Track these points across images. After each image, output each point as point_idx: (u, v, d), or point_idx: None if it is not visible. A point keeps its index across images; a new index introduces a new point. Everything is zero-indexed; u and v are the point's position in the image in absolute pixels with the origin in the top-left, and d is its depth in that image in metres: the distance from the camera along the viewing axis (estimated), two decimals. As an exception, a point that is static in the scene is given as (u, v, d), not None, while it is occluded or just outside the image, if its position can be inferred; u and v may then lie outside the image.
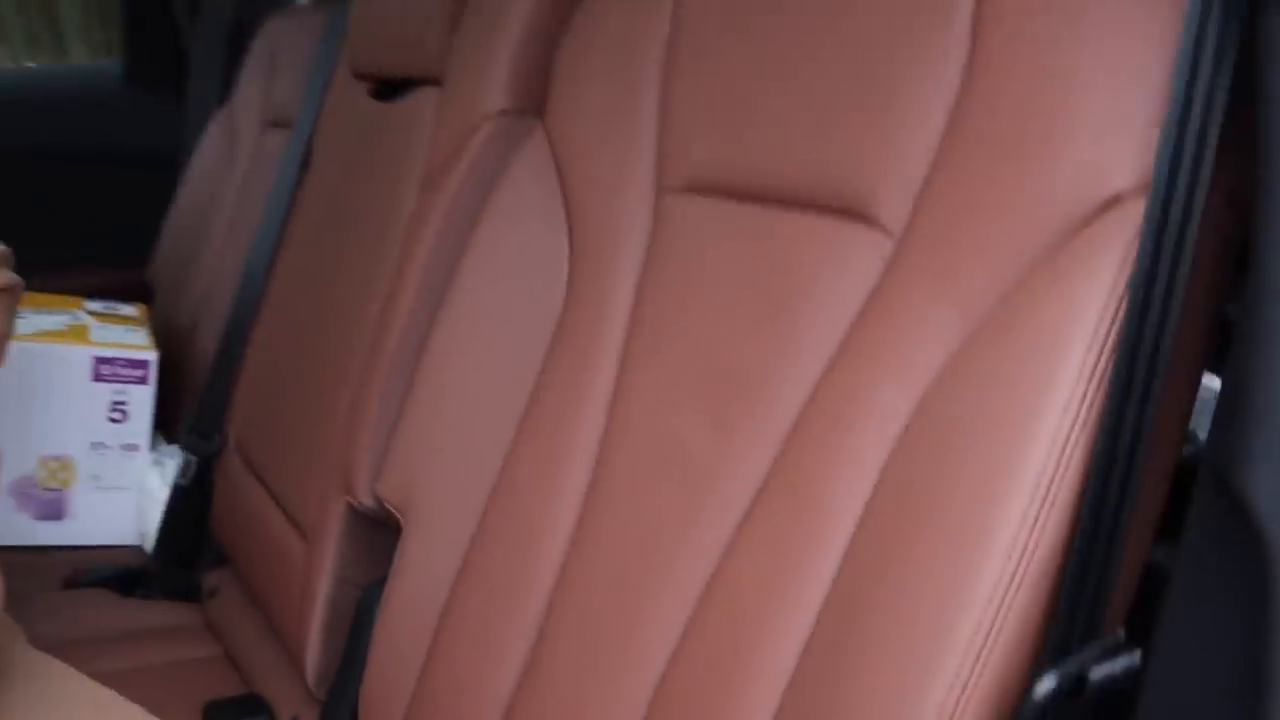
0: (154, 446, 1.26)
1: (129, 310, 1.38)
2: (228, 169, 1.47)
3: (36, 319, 1.25)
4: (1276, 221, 0.36)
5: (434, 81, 0.90)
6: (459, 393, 0.76)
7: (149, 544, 1.20)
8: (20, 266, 1.47)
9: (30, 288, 1.36)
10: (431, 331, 0.78)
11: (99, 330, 1.26)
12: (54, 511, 1.22)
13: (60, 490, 1.22)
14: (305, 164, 1.17)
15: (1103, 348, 0.41)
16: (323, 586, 0.84)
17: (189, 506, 1.15)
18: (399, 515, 0.76)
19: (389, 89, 0.98)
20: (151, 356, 1.24)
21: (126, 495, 1.24)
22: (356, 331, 0.89)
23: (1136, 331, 0.40)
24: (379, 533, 0.81)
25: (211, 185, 1.50)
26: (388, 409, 0.82)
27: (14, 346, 1.15)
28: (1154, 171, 0.41)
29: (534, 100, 0.81)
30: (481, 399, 0.73)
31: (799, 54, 0.57)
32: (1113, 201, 0.42)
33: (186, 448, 1.17)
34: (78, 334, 1.23)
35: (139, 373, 1.23)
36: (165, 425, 1.29)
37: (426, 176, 0.86)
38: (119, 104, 1.77)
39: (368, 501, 0.80)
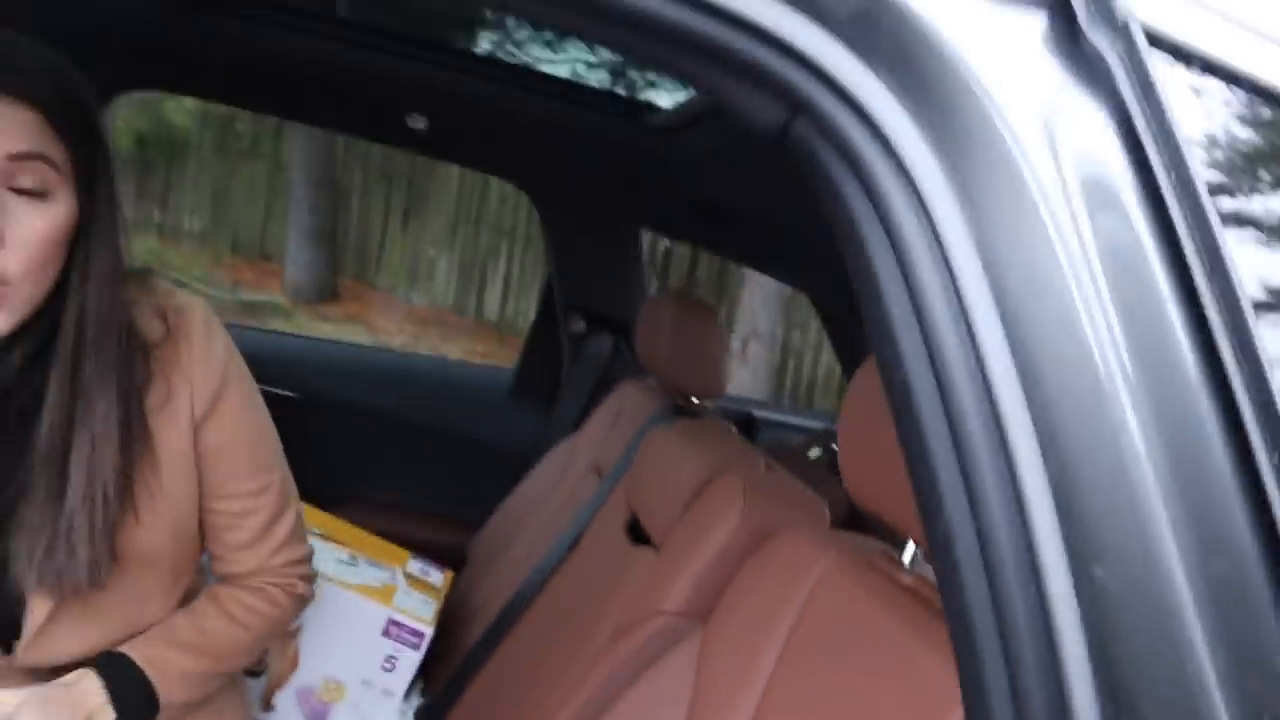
0: (406, 696, 1.58)
1: (436, 579, 1.74)
2: (559, 487, 1.82)
3: (364, 569, 1.63)
4: None
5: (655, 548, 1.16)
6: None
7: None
8: (379, 505, 1.94)
9: (386, 528, 1.79)
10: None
11: (402, 596, 1.61)
12: (319, 717, 1.57)
13: (329, 704, 1.56)
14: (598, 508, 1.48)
15: None
16: None
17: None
18: None
19: (638, 531, 1.26)
20: (429, 632, 1.57)
21: (371, 728, 1.56)
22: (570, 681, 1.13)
23: None
24: None
25: (539, 494, 1.86)
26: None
27: (338, 589, 1.54)
28: None
29: (705, 608, 1.04)
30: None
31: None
32: None
33: (419, 714, 1.47)
34: (385, 595, 1.60)
35: (415, 640, 1.57)
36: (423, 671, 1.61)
37: (617, 627, 1.10)
38: (498, 404, 2.24)
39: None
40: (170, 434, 0.99)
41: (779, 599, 0.92)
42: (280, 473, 1.11)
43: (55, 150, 0.87)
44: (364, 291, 7.53)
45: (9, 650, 1.01)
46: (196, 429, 1.01)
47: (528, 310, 6.49)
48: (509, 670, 1.36)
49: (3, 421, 0.93)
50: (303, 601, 1.15)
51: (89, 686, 0.98)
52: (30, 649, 1.00)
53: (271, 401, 2.10)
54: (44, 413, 0.92)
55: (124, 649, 1.02)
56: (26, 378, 0.93)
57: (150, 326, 0.99)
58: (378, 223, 7.41)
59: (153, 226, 7.54)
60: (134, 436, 0.97)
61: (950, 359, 0.44)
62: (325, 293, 7.25)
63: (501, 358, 2.25)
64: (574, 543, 1.47)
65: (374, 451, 2.14)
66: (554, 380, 2.15)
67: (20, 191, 0.87)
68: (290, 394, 2.08)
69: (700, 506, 1.13)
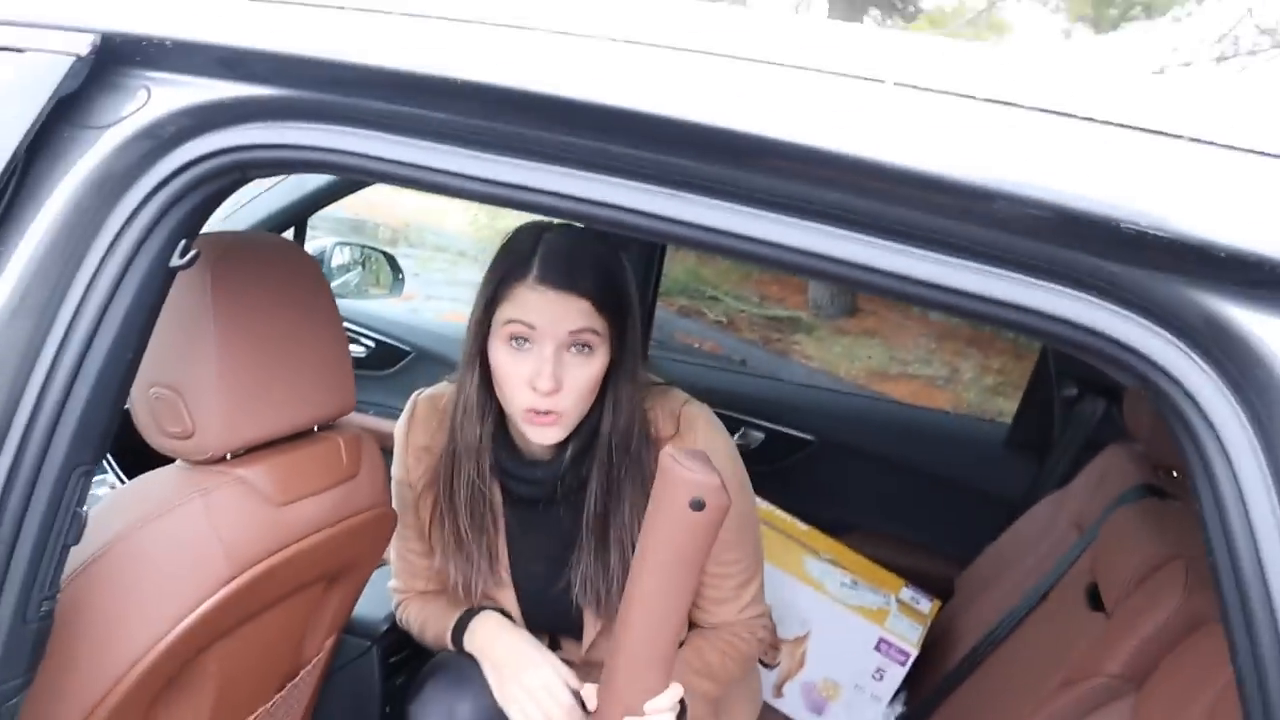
0: (890, 703, 1.87)
1: (924, 606, 2.01)
2: (1043, 538, 1.98)
3: (863, 593, 1.94)
4: None
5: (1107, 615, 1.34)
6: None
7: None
8: (881, 536, 2.26)
9: (885, 557, 2.09)
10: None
11: (894, 620, 1.90)
12: (817, 708, 1.91)
13: (826, 700, 1.91)
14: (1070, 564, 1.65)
15: None
16: None
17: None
18: None
19: (1095, 597, 1.43)
20: (913, 653, 1.85)
21: (860, 724, 1.88)
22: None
23: None
24: None
25: (1024, 540, 2.03)
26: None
27: (840, 608, 1.86)
28: None
29: (1141, 675, 1.21)
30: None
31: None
32: None
33: (901, 717, 1.76)
34: (879, 616, 1.90)
35: (901, 658, 1.86)
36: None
37: (1065, 679, 1.31)
38: (993, 453, 2.43)
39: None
40: None
41: (1206, 677, 1.08)
42: (754, 549, 1.43)
43: (599, 324, 1.22)
44: (881, 307, 7.84)
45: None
46: None
47: (1044, 333, 6.36)
48: (974, 697, 1.60)
49: (561, 496, 1.34)
50: (763, 644, 1.47)
51: None
52: (589, 651, 1.42)
53: (795, 443, 2.50)
54: (589, 491, 1.32)
55: None
56: (574, 468, 1.32)
57: (664, 426, 1.34)
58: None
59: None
60: None
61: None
62: (845, 309, 7.66)
63: (1017, 374, 2.43)
64: (1045, 594, 1.66)
65: (878, 489, 2.45)
66: (1045, 436, 2.30)
67: (573, 351, 1.23)
68: (810, 437, 2.47)
69: (1149, 586, 1.29)
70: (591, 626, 1.40)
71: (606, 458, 1.31)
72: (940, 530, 2.35)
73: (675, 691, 1.13)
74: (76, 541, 0.86)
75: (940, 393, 6.69)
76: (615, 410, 1.29)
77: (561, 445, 1.32)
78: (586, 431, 1.30)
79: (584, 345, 1.23)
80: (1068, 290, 0.64)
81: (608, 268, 1.25)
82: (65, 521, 0.83)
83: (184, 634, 1.01)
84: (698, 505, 1.03)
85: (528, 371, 1.21)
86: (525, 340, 1.22)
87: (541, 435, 1.25)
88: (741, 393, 2.58)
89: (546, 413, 1.23)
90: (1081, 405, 2.19)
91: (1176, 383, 0.64)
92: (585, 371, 1.23)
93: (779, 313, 7.71)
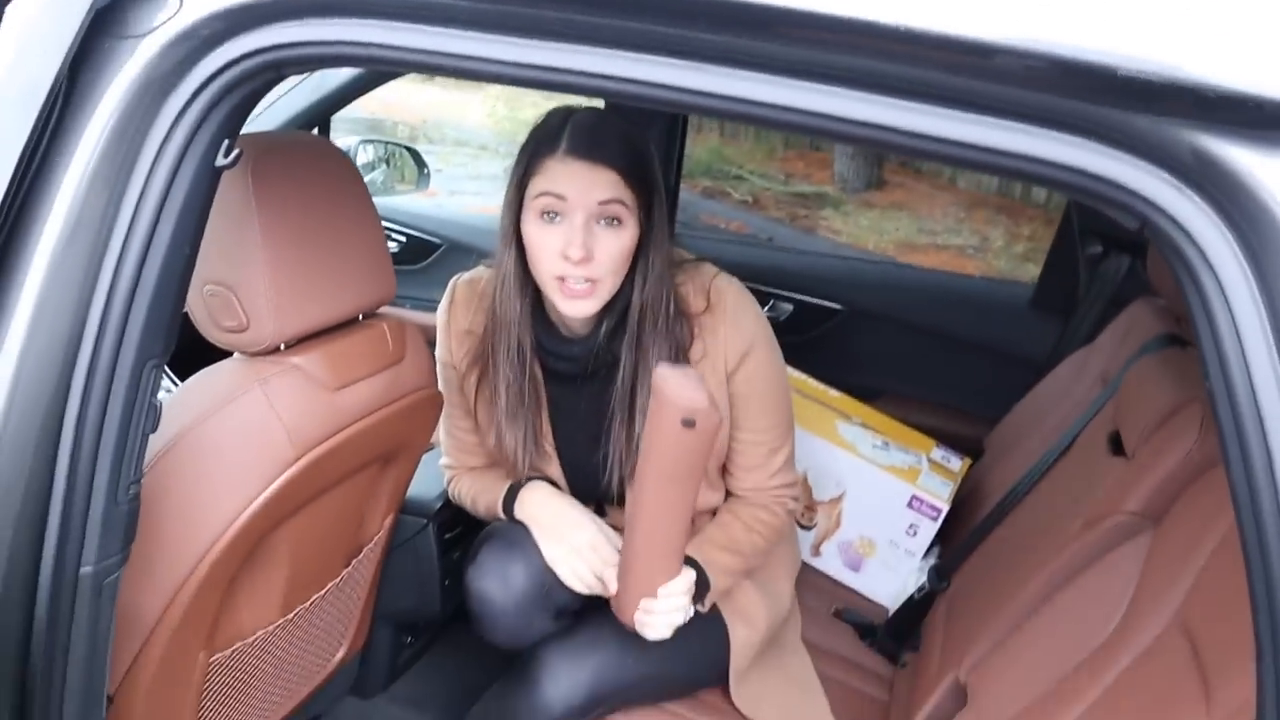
0: (924, 556, 1.95)
1: (956, 465, 2.07)
2: (1070, 393, 2.02)
3: (894, 453, 2.01)
4: None
5: (1127, 459, 1.40)
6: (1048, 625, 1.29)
7: (890, 611, 1.91)
8: (911, 400, 2.32)
9: (916, 419, 2.15)
10: (1049, 599, 1.32)
11: (925, 478, 1.97)
12: (854, 565, 2.00)
13: (863, 557, 1.99)
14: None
15: None
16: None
17: (916, 606, 1.82)
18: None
19: (1117, 443, 1.49)
20: (944, 508, 1.92)
21: (896, 578, 1.95)
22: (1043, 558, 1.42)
23: None
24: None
25: (1052, 397, 2.08)
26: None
27: (872, 468, 1.93)
28: None
29: (1159, 513, 1.27)
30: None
31: None
32: None
33: (932, 570, 1.84)
34: (911, 475, 1.97)
35: (933, 514, 1.93)
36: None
37: (1086, 520, 1.37)
38: (1019, 315, 2.46)
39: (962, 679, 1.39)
40: (710, 380, 1.39)
41: (1220, 513, 1.13)
42: (784, 417, 1.48)
43: (627, 195, 1.28)
44: (909, 179, 7.76)
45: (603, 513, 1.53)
46: (728, 378, 1.41)
47: (1074, 194, 6.28)
48: (1004, 543, 1.67)
49: (596, 372, 1.41)
50: (792, 516, 1.54)
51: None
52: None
53: (823, 312, 2.54)
54: (620, 366, 1.38)
55: (687, 552, 1.42)
56: (608, 344, 1.39)
57: (695, 301, 1.39)
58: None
59: (716, 125, 8.34)
60: None
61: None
62: (872, 182, 7.59)
63: (1047, 240, 2.44)
64: (1069, 445, 1.71)
65: (907, 354, 2.49)
66: (1071, 294, 2.32)
67: (602, 224, 1.28)
68: (838, 306, 2.50)
69: (1167, 429, 1.34)
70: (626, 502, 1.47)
71: (637, 331, 1.36)
72: (969, 392, 2.40)
73: (687, 577, 1.27)
74: (154, 429, 0.93)
75: (970, 261, 6.66)
76: (645, 284, 1.34)
77: (597, 321, 1.38)
78: (619, 306, 1.36)
79: (613, 218, 1.28)
80: (1068, 137, 0.68)
81: (633, 142, 1.30)
82: (143, 411, 0.90)
83: (257, 513, 1.09)
84: (688, 423, 1.09)
85: (559, 242, 1.27)
86: (556, 214, 1.27)
87: (575, 308, 1.31)
88: (768, 266, 2.61)
89: (581, 283, 1.28)
90: (1106, 262, 2.21)
91: (1173, 220, 0.68)
92: (615, 243, 1.28)
93: (804, 189, 7.66)
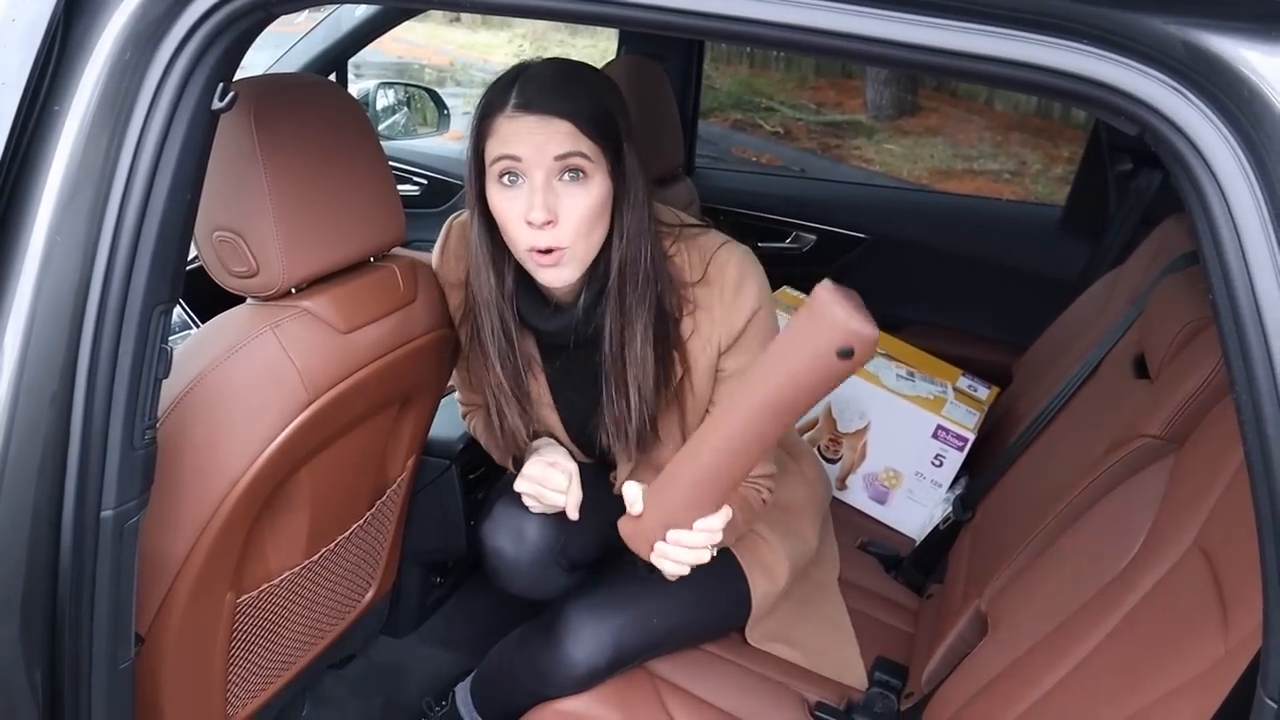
0: (950, 487, 1.95)
1: (983, 394, 2.06)
2: (1101, 316, 1.99)
3: (919, 384, 1.99)
4: None
5: (1151, 382, 1.38)
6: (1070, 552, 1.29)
7: (916, 543, 1.91)
8: (938, 328, 2.30)
9: (943, 349, 2.13)
10: (1071, 526, 1.32)
11: (951, 407, 1.96)
12: (880, 498, 2.00)
13: (888, 489, 1.99)
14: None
15: None
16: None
17: (941, 537, 1.82)
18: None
19: (1141, 366, 1.46)
20: (970, 437, 1.90)
21: (922, 510, 1.95)
22: (1068, 483, 1.41)
23: None
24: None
25: (1082, 321, 2.04)
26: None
27: (897, 399, 1.92)
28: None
29: (1182, 435, 1.25)
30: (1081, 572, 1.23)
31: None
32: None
33: (958, 501, 1.84)
34: (936, 405, 1.95)
35: (959, 443, 1.92)
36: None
37: (1111, 444, 1.35)
38: (1048, 238, 2.41)
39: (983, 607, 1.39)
40: (700, 357, 1.32)
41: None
42: None
43: (587, 146, 1.17)
44: (944, 103, 7.60)
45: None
46: (720, 355, 1.33)
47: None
48: (1028, 471, 1.66)
49: (580, 343, 1.32)
50: (765, 506, 1.43)
51: None
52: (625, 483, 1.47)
53: (848, 241, 2.51)
54: (605, 335, 1.29)
55: None
56: (590, 313, 1.29)
57: (691, 271, 1.29)
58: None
59: (744, 56, 8.22)
60: (668, 348, 1.30)
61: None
62: (905, 108, 7.45)
63: None
64: (1095, 369, 1.69)
65: (934, 282, 2.46)
66: (1101, 215, 2.28)
67: (565, 179, 1.18)
68: (863, 235, 2.47)
69: (1190, 350, 1.32)
70: (624, 463, 1.43)
71: (618, 295, 1.27)
72: (997, 319, 2.37)
73: (725, 514, 1.11)
74: (166, 374, 0.94)
75: (1007, 187, 6.55)
76: (623, 242, 1.25)
77: (580, 287, 1.30)
78: (601, 271, 1.27)
79: (576, 170, 1.18)
80: (1062, 41, 0.66)
81: (591, 89, 1.20)
82: (153, 356, 0.91)
83: (275, 454, 1.11)
84: (845, 353, 0.91)
85: (522, 206, 1.18)
86: (516, 175, 1.19)
87: (550, 276, 1.23)
88: (791, 196, 2.59)
89: (549, 250, 1.20)
90: (1136, 180, 2.16)
91: (1172, 124, 0.65)
92: (581, 200, 1.19)
93: (836, 118, 7.54)
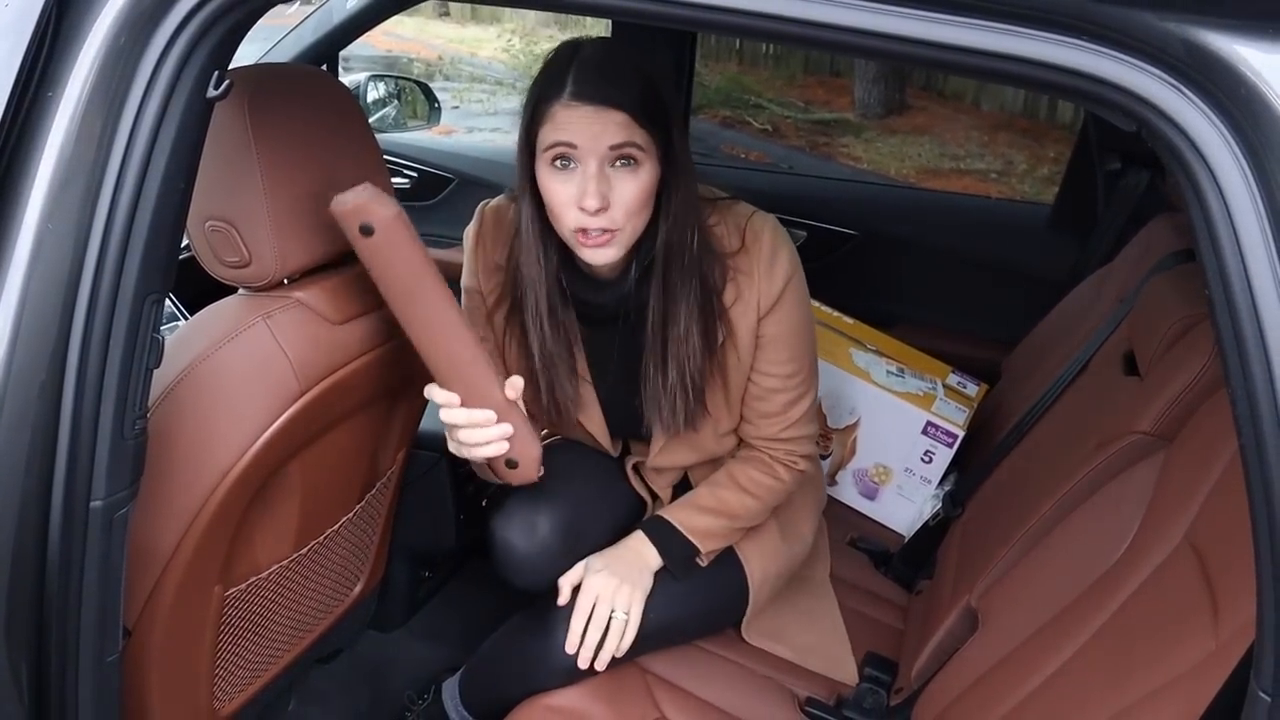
0: (940, 483, 1.95)
1: (972, 390, 2.06)
2: (1089, 313, 1.99)
3: (909, 380, 2.00)
4: None
5: (1140, 379, 1.38)
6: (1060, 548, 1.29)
7: (905, 538, 1.91)
8: (927, 326, 2.29)
9: (933, 346, 2.13)
10: (1061, 522, 1.32)
11: (940, 404, 1.96)
12: (870, 494, 2.01)
13: (878, 485, 1.99)
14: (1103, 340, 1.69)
15: None
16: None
17: (931, 533, 1.82)
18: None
19: (1131, 363, 1.47)
20: (960, 434, 1.91)
21: (911, 506, 1.96)
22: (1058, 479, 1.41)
23: None
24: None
25: (1070, 318, 2.04)
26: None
27: (887, 395, 1.93)
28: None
29: (1171, 431, 1.26)
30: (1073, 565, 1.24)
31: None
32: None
33: (947, 497, 1.84)
34: (926, 401, 1.96)
35: (949, 439, 1.92)
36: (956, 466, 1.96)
37: (1100, 440, 1.36)
38: (1036, 236, 2.42)
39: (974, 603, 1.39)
40: (742, 323, 1.35)
41: (1231, 429, 1.12)
42: (808, 364, 1.43)
43: (640, 136, 1.20)
44: (932, 102, 7.62)
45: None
46: (760, 320, 1.36)
47: (1100, 116, 6.15)
48: (1018, 467, 1.67)
49: (626, 318, 1.36)
50: (801, 477, 1.48)
51: (641, 544, 1.41)
52: (656, 458, 1.48)
53: (838, 238, 2.52)
54: (649, 312, 1.33)
55: (662, 514, 1.43)
56: (637, 290, 1.33)
57: (730, 241, 1.34)
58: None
59: (734, 53, 8.23)
60: (713, 323, 1.34)
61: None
62: (893, 106, 7.47)
63: None
64: (1084, 366, 1.70)
65: (923, 279, 2.46)
66: (1090, 213, 2.29)
67: (618, 166, 1.21)
68: (853, 232, 2.48)
69: (1179, 347, 1.32)
70: (659, 438, 1.45)
71: (664, 271, 1.31)
72: (986, 317, 2.37)
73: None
74: (158, 364, 0.93)
75: (994, 186, 6.57)
76: (670, 223, 1.28)
77: (626, 264, 1.33)
78: (647, 248, 1.31)
79: (628, 159, 1.21)
80: (1061, 37, 0.66)
81: (646, 77, 1.22)
82: (145, 346, 0.90)
83: (266, 445, 1.10)
84: (367, 230, 1.07)
85: (574, 192, 1.21)
86: (569, 160, 1.21)
87: (596, 256, 1.25)
88: (782, 193, 2.58)
89: (599, 233, 1.23)
90: (1125, 179, 2.17)
91: (1170, 120, 0.66)
92: (632, 186, 1.22)
93: (825, 116, 7.56)
